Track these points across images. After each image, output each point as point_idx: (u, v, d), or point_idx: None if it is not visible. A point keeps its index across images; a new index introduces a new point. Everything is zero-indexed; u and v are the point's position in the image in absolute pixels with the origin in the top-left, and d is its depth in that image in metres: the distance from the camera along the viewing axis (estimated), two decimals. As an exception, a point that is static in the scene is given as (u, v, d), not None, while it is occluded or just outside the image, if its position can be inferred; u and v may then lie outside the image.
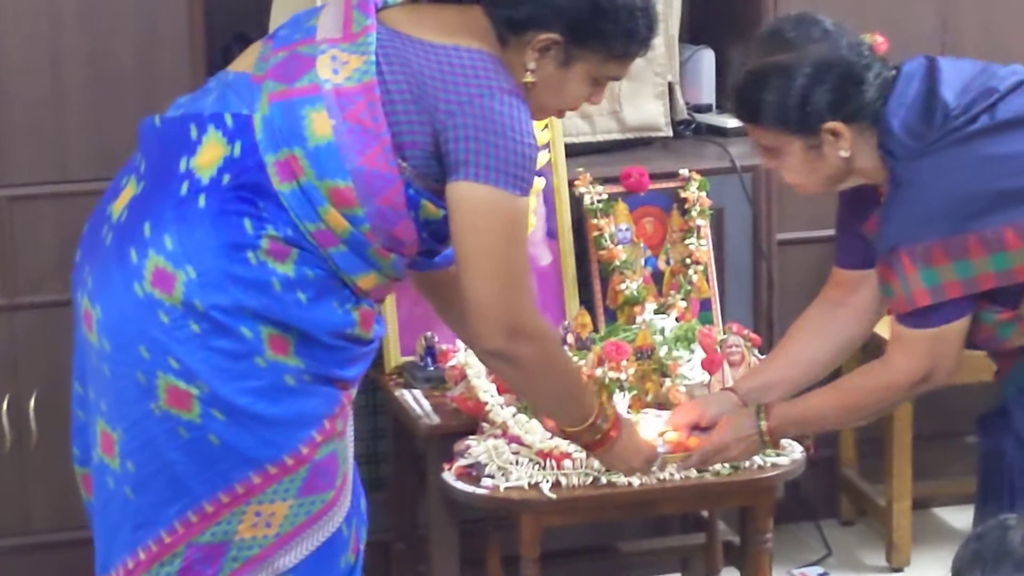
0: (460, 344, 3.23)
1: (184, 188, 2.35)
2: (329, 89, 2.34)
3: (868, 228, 2.56)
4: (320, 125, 2.32)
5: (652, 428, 2.68)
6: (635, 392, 3.07)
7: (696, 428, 2.65)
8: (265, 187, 2.33)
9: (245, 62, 2.46)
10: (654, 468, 2.67)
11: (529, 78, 2.42)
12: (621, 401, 3.03)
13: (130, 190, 2.42)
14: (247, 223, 2.32)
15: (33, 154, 3.41)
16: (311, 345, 2.35)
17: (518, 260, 2.37)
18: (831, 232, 3.76)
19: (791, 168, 2.51)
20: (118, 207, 2.41)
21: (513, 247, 2.36)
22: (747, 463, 3.00)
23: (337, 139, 2.32)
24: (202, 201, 2.33)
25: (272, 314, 2.32)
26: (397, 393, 3.29)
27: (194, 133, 2.38)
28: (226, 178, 2.34)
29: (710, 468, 2.94)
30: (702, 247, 3.51)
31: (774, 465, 3.03)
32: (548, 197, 3.48)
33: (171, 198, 2.35)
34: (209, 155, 2.35)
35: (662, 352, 3.16)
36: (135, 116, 3.32)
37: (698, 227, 3.52)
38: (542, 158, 3.44)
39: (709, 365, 3.13)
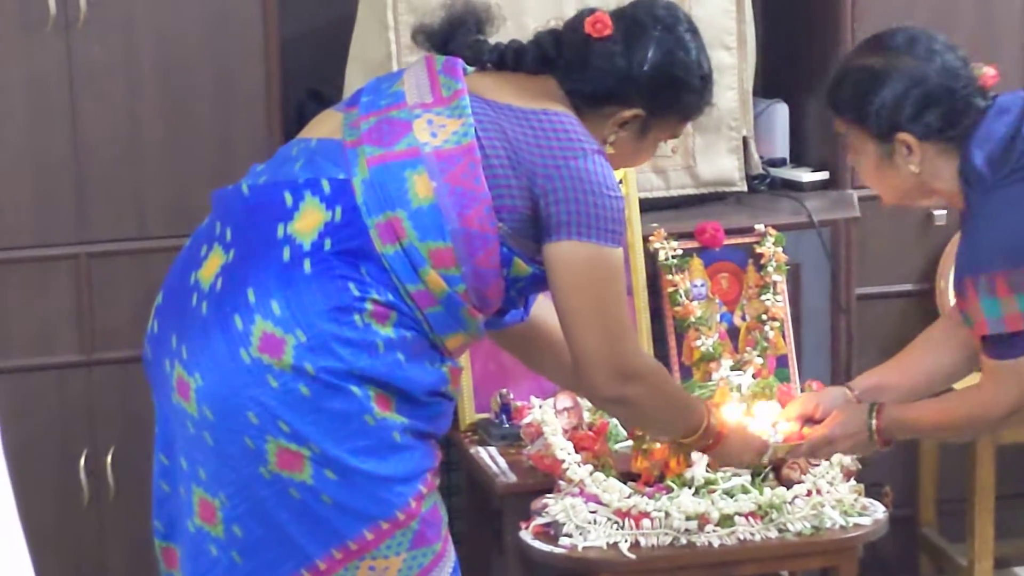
0: (535, 401, 3.22)
1: (286, 254, 2.36)
2: (429, 152, 2.37)
3: None
4: (422, 187, 2.36)
5: (766, 418, 2.76)
6: (713, 450, 3.03)
7: (810, 420, 2.73)
8: (368, 250, 2.36)
9: (325, 128, 2.48)
10: (764, 459, 2.75)
11: (609, 150, 2.49)
12: (700, 460, 2.99)
13: (217, 258, 2.42)
14: (352, 287, 2.35)
15: (111, 211, 3.44)
16: (410, 403, 2.39)
17: (620, 308, 2.46)
18: (912, 286, 3.79)
19: (865, 171, 2.61)
20: (207, 275, 2.41)
21: (614, 297, 2.45)
22: (829, 523, 2.96)
23: (439, 201, 2.36)
24: (307, 266, 2.35)
25: (377, 374, 2.35)
26: (472, 451, 3.27)
27: (289, 200, 2.39)
28: (328, 243, 2.36)
29: (791, 528, 2.93)
30: (778, 303, 3.48)
31: (856, 525, 2.99)
32: (623, 253, 3.46)
33: (274, 264, 2.36)
34: (308, 221, 2.37)
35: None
36: (212, 173, 3.39)
37: (774, 282, 3.49)
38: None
39: (789, 423, 3.09)
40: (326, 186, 2.38)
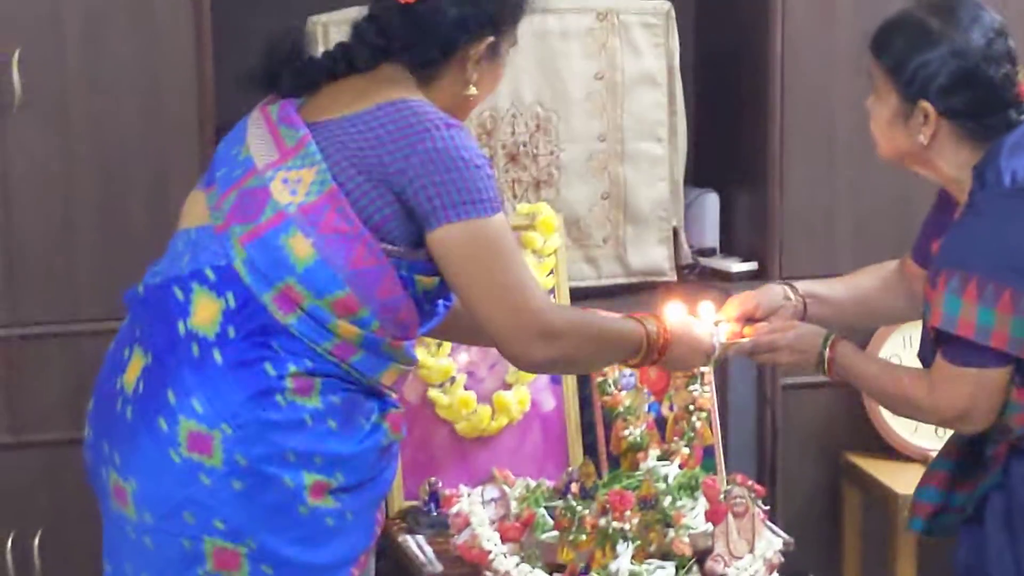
0: (464, 490, 3.24)
1: (195, 349, 2.38)
2: (295, 212, 2.37)
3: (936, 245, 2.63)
4: (300, 248, 2.36)
5: (707, 319, 2.77)
6: (639, 543, 3.06)
7: (750, 320, 2.77)
8: (272, 325, 2.37)
9: (196, 215, 2.48)
10: (714, 358, 2.73)
11: (472, 91, 2.46)
12: (624, 552, 3.02)
13: (138, 360, 2.44)
14: (268, 367, 2.36)
15: (44, 293, 3.43)
16: (349, 470, 2.38)
17: (518, 274, 2.40)
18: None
19: (876, 119, 2.62)
20: (130, 379, 2.44)
21: (507, 264, 2.38)
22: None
23: (321, 255, 2.35)
24: (218, 357, 2.36)
25: (311, 449, 2.35)
26: (400, 539, 3.28)
27: (180, 295, 2.41)
28: (231, 331, 2.38)
29: None
30: (705, 393, 3.51)
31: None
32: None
33: (186, 362, 2.37)
34: (205, 313, 2.39)
35: (666, 502, 3.15)
36: (145, 257, 3.35)
37: (702, 373, 3.52)
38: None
39: (713, 516, 3.13)
40: (210, 274, 2.39)
